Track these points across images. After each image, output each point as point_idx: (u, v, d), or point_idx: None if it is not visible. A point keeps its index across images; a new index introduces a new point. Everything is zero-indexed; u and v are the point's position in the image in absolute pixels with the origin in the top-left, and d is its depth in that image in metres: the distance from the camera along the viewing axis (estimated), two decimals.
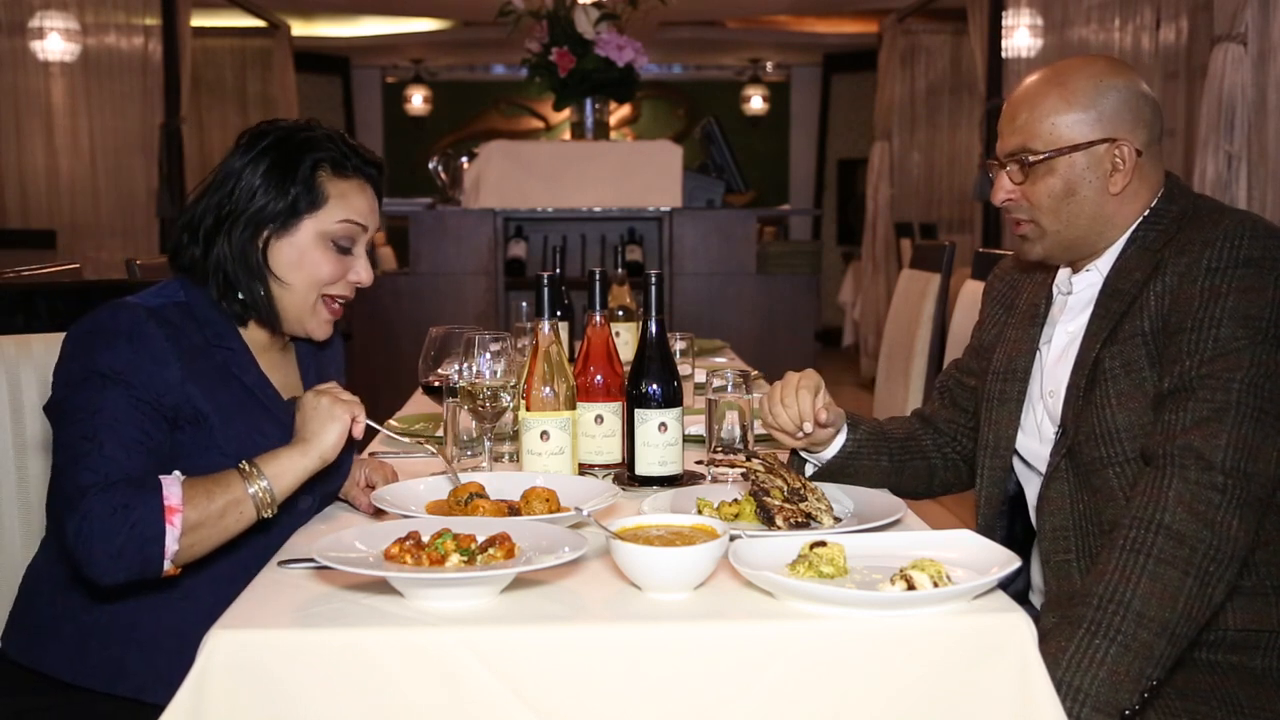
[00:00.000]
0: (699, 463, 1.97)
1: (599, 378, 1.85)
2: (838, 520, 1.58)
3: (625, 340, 2.90)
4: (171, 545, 1.47)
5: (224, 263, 1.67)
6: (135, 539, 1.45)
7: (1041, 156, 1.65)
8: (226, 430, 1.62)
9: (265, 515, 1.54)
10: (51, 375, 1.62)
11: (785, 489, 1.58)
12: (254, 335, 1.73)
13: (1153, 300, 1.60)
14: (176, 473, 1.52)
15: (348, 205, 1.70)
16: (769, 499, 1.56)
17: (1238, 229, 1.56)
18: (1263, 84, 4.14)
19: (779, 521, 1.53)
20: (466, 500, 1.58)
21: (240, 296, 1.68)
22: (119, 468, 1.50)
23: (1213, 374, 1.51)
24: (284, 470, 1.55)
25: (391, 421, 2.35)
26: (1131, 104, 1.64)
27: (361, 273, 1.73)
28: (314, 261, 1.69)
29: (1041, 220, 1.68)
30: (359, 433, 1.61)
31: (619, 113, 11.05)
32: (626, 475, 1.86)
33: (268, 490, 1.53)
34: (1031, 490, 1.78)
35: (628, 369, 1.88)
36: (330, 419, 1.57)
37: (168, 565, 1.49)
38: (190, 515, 1.48)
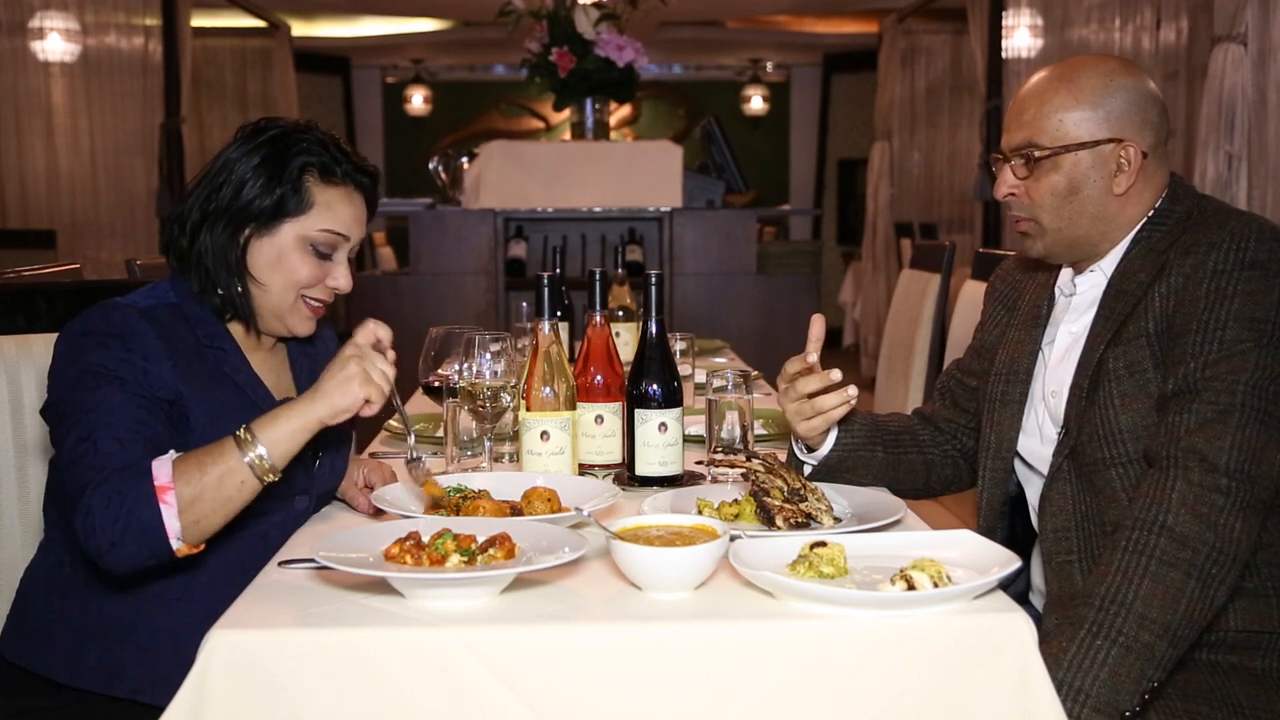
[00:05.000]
0: (699, 463, 1.96)
1: (599, 378, 1.85)
2: (838, 520, 1.58)
3: (625, 340, 2.90)
4: (172, 524, 1.44)
5: (204, 257, 1.66)
6: (134, 524, 1.44)
7: (1047, 152, 1.64)
8: (217, 431, 1.62)
9: (270, 480, 1.48)
10: (48, 376, 1.62)
11: (785, 489, 1.58)
12: (243, 335, 1.73)
13: (1157, 301, 1.59)
14: (171, 452, 1.49)
15: (332, 214, 1.68)
16: (769, 499, 1.56)
17: (1244, 231, 1.56)
18: (1263, 84, 4.14)
19: (779, 522, 1.53)
20: (457, 505, 1.57)
21: (220, 292, 1.68)
22: (113, 460, 1.49)
23: (1217, 376, 1.50)
24: (281, 435, 1.48)
25: (391, 422, 2.35)
26: (1139, 105, 1.64)
27: (340, 280, 1.71)
28: (292, 265, 1.67)
29: (1042, 218, 1.68)
30: (369, 412, 1.51)
31: (619, 113, 11.04)
32: (626, 475, 1.85)
33: (264, 458, 1.47)
34: (1032, 491, 1.78)
35: (628, 369, 1.88)
36: (348, 385, 1.47)
37: (177, 544, 1.45)
38: (184, 491, 1.44)
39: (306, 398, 1.50)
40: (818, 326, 1.71)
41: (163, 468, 1.46)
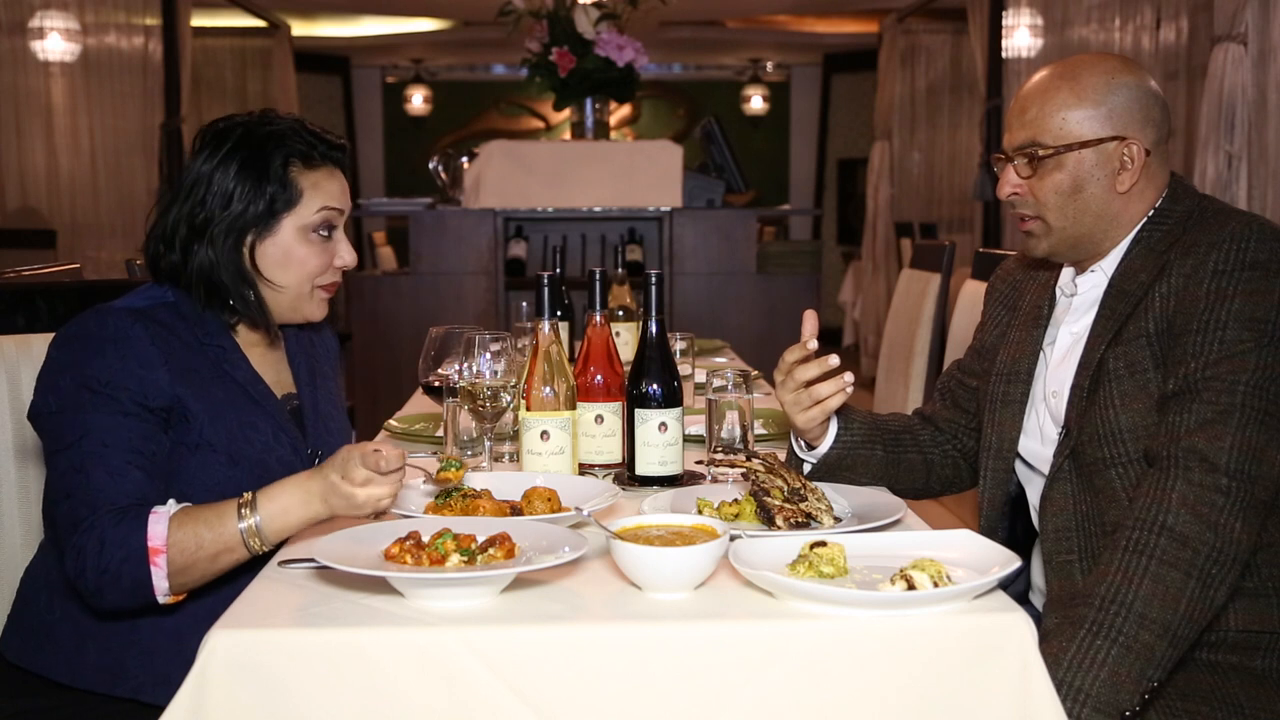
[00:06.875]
0: (699, 463, 1.96)
1: (599, 378, 1.85)
2: (838, 520, 1.58)
3: (625, 340, 2.90)
4: (161, 584, 1.48)
5: (210, 271, 1.66)
6: (123, 579, 1.47)
7: (1050, 151, 1.64)
8: (217, 428, 1.62)
9: (257, 552, 1.48)
10: (38, 379, 1.61)
11: (785, 489, 1.58)
12: (243, 331, 1.73)
13: (1158, 301, 1.59)
14: (171, 503, 1.51)
15: (321, 192, 1.70)
16: (769, 499, 1.56)
17: (1244, 231, 1.56)
18: (1263, 84, 4.14)
19: (779, 521, 1.53)
20: (442, 497, 1.57)
21: (230, 303, 1.68)
22: (105, 497, 1.50)
23: (1218, 376, 1.50)
24: (282, 524, 1.47)
25: (391, 421, 2.35)
26: (1141, 103, 1.64)
27: (345, 255, 1.74)
28: (300, 258, 1.69)
29: (1047, 216, 1.68)
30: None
31: (619, 113, 11.04)
32: (626, 475, 1.85)
33: (256, 529, 1.47)
34: (1033, 491, 1.78)
35: (628, 369, 1.88)
36: (354, 507, 1.44)
37: (164, 599, 1.49)
38: (176, 558, 1.47)
39: (315, 498, 1.46)
40: (811, 322, 1.70)
41: (159, 525, 1.47)
